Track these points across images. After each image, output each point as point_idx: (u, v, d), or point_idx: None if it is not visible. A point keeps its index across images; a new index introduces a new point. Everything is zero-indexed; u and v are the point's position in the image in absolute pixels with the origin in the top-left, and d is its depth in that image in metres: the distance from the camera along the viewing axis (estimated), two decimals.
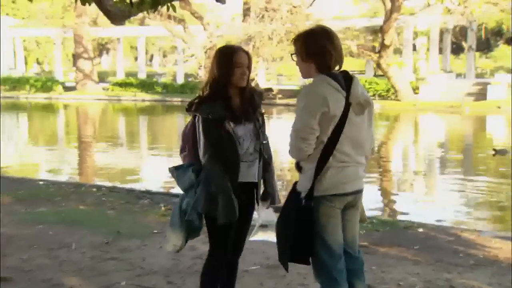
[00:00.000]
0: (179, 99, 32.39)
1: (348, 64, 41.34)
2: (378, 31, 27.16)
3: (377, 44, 28.49)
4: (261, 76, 31.94)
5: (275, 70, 34.50)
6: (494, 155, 12.48)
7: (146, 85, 37.18)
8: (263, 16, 24.13)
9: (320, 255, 2.93)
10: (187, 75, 37.40)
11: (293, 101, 28.04)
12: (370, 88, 27.61)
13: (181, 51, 35.20)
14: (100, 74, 42.39)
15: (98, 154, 15.14)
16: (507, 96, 25.28)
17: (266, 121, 3.46)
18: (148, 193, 8.20)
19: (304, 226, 2.88)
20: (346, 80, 2.89)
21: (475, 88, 27.71)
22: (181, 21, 30.17)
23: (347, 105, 2.82)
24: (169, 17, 29.34)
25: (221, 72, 3.19)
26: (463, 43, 44.70)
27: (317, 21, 25.80)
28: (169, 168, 3.40)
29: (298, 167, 2.99)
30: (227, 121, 3.17)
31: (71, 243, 5.29)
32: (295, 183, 3.06)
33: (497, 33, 39.59)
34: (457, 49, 44.54)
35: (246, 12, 28.04)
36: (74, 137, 19.46)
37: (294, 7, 23.50)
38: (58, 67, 42.76)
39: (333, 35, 2.90)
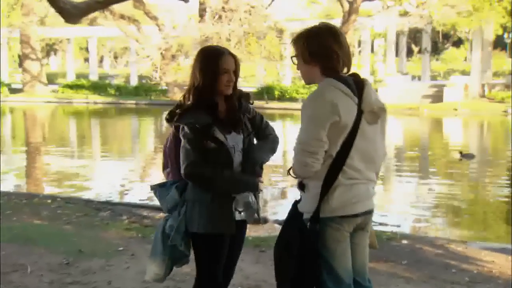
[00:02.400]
0: (133, 101, 31.72)
1: None
2: None
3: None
4: None
5: None
6: (460, 159, 12.38)
7: (98, 87, 36.27)
8: (220, 17, 23.72)
9: (327, 285, 2.58)
10: (141, 77, 36.78)
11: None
12: None
13: (134, 52, 34.42)
14: (48, 75, 41.04)
15: (49, 160, 14.27)
16: (463, 98, 25.71)
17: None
18: (108, 204, 7.66)
19: (309, 254, 2.56)
20: (357, 85, 2.53)
21: (431, 90, 28.07)
22: (134, 21, 29.43)
23: (359, 114, 2.49)
24: (122, 17, 28.58)
25: (204, 79, 2.79)
26: (413, 46, 45.60)
27: (275, 22, 25.62)
28: (151, 186, 3.01)
29: (301, 186, 2.60)
30: (216, 129, 2.77)
31: (26, 266, 4.70)
32: (295, 203, 2.68)
33: (445, 36, 40.51)
34: (408, 52, 45.34)
35: (202, 13, 27.55)
36: (22, 142, 18.44)
37: (252, 7, 23.18)
38: (4, 68, 41.13)
39: (339, 33, 2.57)
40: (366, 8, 27.86)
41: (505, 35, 31.33)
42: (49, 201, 7.59)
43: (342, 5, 25.45)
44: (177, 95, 28.44)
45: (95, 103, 33.03)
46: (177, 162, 2.85)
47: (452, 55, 47.42)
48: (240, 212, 2.82)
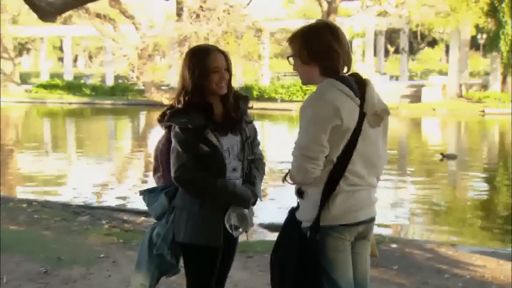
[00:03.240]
0: (110, 101, 31.33)
1: (284, 67, 41.62)
2: None
3: None
4: None
5: None
6: (441, 159, 12.36)
7: (73, 87, 35.75)
8: (198, 16, 23.46)
9: None
10: (117, 77, 36.34)
11: None
12: (308, 90, 27.47)
13: (110, 51, 33.95)
14: (21, 75, 40.30)
15: (22, 162, 13.89)
16: (442, 98, 25.90)
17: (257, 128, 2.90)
18: (87, 208, 7.43)
19: (309, 265, 2.43)
20: (359, 85, 2.38)
21: (409, 90, 28.24)
22: (110, 20, 28.98)
23: (362, 116, 2.36)
24: (97, 15, 28.12)
25: (194, 80, 2.62)
26: (389, 46, 45.94)
27: (254, 22, 25.45)
28: (140, 192, 2.83)
29: (299, 193, 2.45)
30: (210, 132, 2.60)
31: (2, 275, 4.44)
32: (292, 211, 2.53)
33: (420, 36, 40.91)
34: (384, 52, 45.67)
35: (180, 12, 27.24)
36: None
37: (231, 6, 22.99)
38: None
39: (338, 31, 2.43)
40: (345, 8, 27.88)
41: (479, 36, 31.68)
42: (24, 205, 7.31)
43: (321, 5, 25.42)
44: (155, 95, 28.16)
45: (70, 103, 32.57)
46: (169, 166, 2.68)
47: (428, 55, 47.90)
48: (232, 226, 2.65)
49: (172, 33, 24.60)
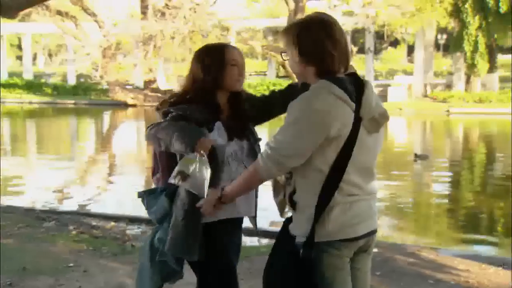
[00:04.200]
0: (72, 101, 30.65)
1: (250, 66, 41.64)
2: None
3: (280, 45, 28.31)
4: (161, 77, 30.82)
5: (173, 71, 33.59)
6: (415, 160, 12.33)
7: (34, 86, 34.96)
8: (163, 14, 23.06)
9: None
10: (79, 76, 35.56)
11: None
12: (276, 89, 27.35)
13: (72, 50, 33.20)
14: None
15: None
16: (408, 98, 26.13)
17: None
18: (52, 213, 7.04)
19: (305, 284, 2.19)
20: (356, 87, 2.13)
21: (376, 90, 27.56)
22: (72, 17, 28.31)
23: (357, 121, 2.10)
24: (58, 12, 27.42)
25: (209, 72, 2.42)
26: (352, 46, 46.31)
27: (220, 21, 25.19)
28: (138, 193, 2.65)
29: (292, 203, 2.21)
30: (208, 134, 2.42)
31: None
32: (286, 222, 2.29)
33: (383, 36, 41.39)
34: None
35: (144, 10, 26.80)
36: None
37: (197, 4, 22.66)
38: None
39: (334, 27, 2.17)
40: (312, 7, 27.85)
41: (439, 36, 32.17)
42: None
43: (287, 4, 25.33)
44: (119, 95, 27.65)
45: (30, 103, 31.82)
46: (169, 166, 2.46)
47: (391, 55, 48.45)
48: (177, 175, 2.37)
49: (136, 31, 24.15)
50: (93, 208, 8.24)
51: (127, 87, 29.29)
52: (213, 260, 2.47)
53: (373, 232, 2.26)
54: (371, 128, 2.15)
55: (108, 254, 5.16)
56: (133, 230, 6.41)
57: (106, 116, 26.43)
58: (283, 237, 2.27)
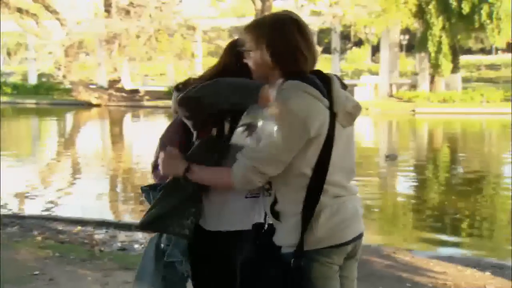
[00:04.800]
0: (33, 101, 29.91)
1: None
2: None
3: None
4: (126, 76, 30.37)
5: (138, 70, 33.14)
6: (386, 160, 12.38)
7: None
8: (128, 12, 22.67)
9: None
10: (41, 75, 34.77)
11: (161, 103, 27.11)
12: None
13: (33, 48, 32.41)
14: None
15: None
16: (374, 97, 26.30)
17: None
18: (14, 217, 6.77)
19: None
20: (324, 83, 2.06)
21: None
22: (33, 15, 27.60)
23: (333, 118, 2.03)
24: (18, 10, 26.70)
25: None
26: (317, 46, 46.52)
27: (187, 19, 24.92)
28: (141, 188, 2.39)
29: (274, 213, 2.08)
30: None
31: None
32: (264, 231, 2.15)
33: (347, 36, 41.71)
34: None
35: (108, 8, 26.33)
36: None
37: (163, 3, 22.36)
38: None
39: (306, 27, 2.09)
40: (278, 7, 27.79)
41: (402, 37, 32.58)
42: None
43: (254, 3, 25.23)
44: (83, 94, 27.08)
45: None
46: (184, 149, 2.19)
47: (356, 55, 48.86)
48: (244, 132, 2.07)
49: (100, 29, 23.69)
50: (58, 212, 7.97)
51: (91, 86, 28.76)
52: (215, 272, 2.28)
53: (361, 235, 2.16)
54: (345, 122, 2.08)
55: (75, 260, 4.99)
56: (101, 234, 6.21)
57: (69, 116, 25.88)
58: (263, 251, 2.09)
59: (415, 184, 10.99)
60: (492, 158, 14.24)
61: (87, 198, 8.84)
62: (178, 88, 2.26)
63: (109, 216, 7.81)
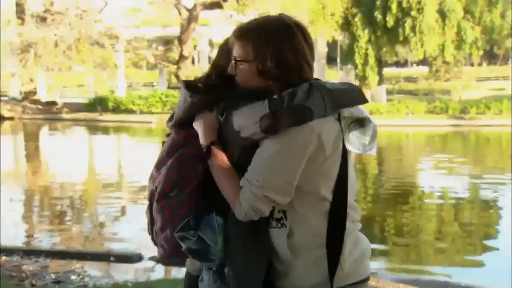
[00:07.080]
0: None
1: (137, 76, 39.82)
2: (171, 41, 26.14)
3: (172, 55, 27.41)
4: (42, 88, 28.67)
5: (56, 81, 31.52)
6: None
7: None
8: (44, 20, 21.27)
9: None
10: None
11: (81, 115, 25.86)
12: (168, 101, 26.31)
13: None
14: None
15: None
16: None
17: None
18: None
19: None
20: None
21: None
22: None
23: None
24: None
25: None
26: None
27: (108, 29, 23.80)
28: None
29: (291, 248, 1.80)
30: None
31: None
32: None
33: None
34: None
35: (21, 15, 24.77)
36: None
37: (84, 11, 21.16)
38: None
39: (309, 32, 1.87)
40: (205, 17, 27.19)
41: (327, 49, 32.98)
42: None
43: (180, 13, 24.43)
44: None
45: None
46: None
47: None
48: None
49: (13, 38, 22.15)
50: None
51: (3, 98, 26.91)
52: None
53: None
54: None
55: None
56: (31, 265, 5.44)
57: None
58: None
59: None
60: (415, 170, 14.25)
61: (5, 222, 7.83)
62: (187, 85, 1.90)
63: (28, 242, 6.96)
